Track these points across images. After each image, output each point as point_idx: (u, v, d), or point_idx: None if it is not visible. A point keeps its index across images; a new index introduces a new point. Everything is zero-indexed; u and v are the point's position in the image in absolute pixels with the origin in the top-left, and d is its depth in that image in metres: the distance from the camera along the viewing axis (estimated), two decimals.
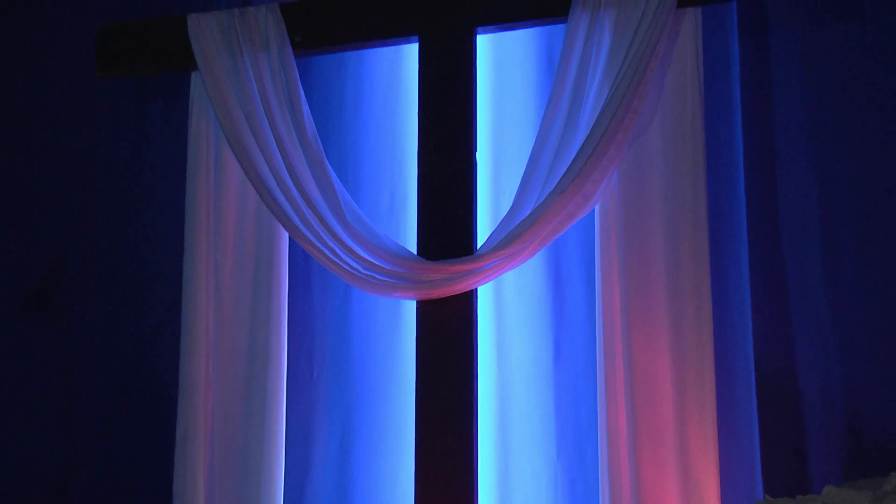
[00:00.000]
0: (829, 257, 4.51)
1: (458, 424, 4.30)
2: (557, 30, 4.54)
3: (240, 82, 4.60)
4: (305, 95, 4.58)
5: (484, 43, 4.62)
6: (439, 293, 4.34)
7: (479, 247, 4.36)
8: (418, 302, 4.42)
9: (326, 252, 4.43)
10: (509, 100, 4.74)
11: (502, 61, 4.75)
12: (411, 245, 4.48)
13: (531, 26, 4.59)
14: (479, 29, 4.53)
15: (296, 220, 4.47)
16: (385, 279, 4.38)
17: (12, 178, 5.37)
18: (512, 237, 4.24)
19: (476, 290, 4.39)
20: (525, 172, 4.32)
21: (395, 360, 4.73)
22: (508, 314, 4.63)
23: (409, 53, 4.72)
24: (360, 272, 4.41)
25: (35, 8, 5.44)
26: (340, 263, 4.42)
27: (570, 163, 4.23)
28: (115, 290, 5.17)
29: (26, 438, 5.15)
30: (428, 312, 4.39)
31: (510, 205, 4.34)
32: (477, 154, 4.49)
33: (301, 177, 4.48)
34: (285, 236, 4.59)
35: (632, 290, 4.23)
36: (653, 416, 4.15)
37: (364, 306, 4.80)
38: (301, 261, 4.78)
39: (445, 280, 4.31)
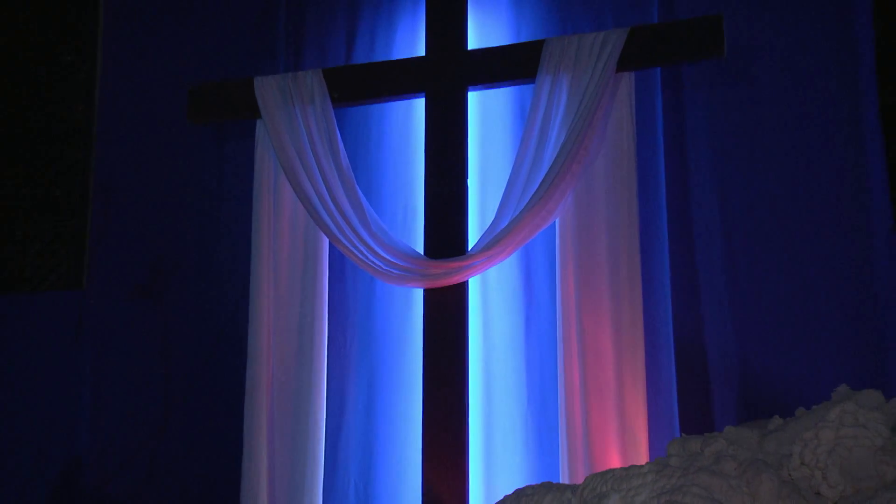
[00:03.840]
0: (728, 257, 4.88)
1: (454, 380, 4.67)
2: (527, 88, 4.93)
3: (293, 127, 4.96)
4: (341, 137, 4.96)
5: (474, 98, 5.03)
6: (440, 283, 4.72)
7: (469, 249, 4.74)
8: (424, 290, 4.79)
9: (356, 252, 4.79)
10: (492, 140, 5.11)
11: (487, 111, 5.14)
12: (419, 247, 4.85)
13: (508, 85, 4.99)
14: (470, 87, 4.95)
15: (333, 229, 4.82)
16: (399, 273, 4.75)
17: (126, 199, 5.81)
18: (494, 242, 4.63)
19: (468, 280, 4.78)
20: (504, 194, 4.71)
21: (407, 333, 5.07)
22: (491, 299, 4.99)
23: (418, 106, 5.11)
24: (381, 267, 4.76)
25: (142, 77, 5.89)
26: (366, 261, 4.79)
27: (536, 187, 4.61)
28: (200, 282, 5.58)
29: (134, 391, 5.57)
30: (432, 298, 4.77)
31: (493, 218, 4.71)
32: (468, 180, 4.87)
33: (338, 197, 4.85)
34: (326, 241, 4.93)
35: (582, 282, 4.59)
36: (598, 375, 4.50)
37: (384, 293, 5.15)
38: (337, 259, 5.12)
39: (444, 274, 4.70)
